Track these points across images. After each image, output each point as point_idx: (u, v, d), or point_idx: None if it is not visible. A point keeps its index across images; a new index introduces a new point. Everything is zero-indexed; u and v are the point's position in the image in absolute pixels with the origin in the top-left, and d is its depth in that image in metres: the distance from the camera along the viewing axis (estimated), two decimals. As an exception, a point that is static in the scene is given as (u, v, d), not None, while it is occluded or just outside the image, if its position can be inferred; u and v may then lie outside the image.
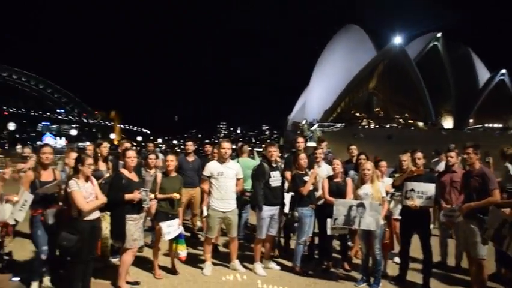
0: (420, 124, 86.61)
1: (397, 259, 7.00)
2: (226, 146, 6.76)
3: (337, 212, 6.30)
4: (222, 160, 6.79)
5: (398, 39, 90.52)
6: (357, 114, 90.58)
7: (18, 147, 47.24)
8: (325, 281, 6.46)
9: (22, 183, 5.77)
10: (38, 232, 5.70)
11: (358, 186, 6.53)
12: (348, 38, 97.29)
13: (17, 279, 6.19)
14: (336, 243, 7.53)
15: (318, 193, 7.04)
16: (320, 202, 7.00)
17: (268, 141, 6.92)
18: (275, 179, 6.82)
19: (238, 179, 6.92)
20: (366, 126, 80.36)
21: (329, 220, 6.54)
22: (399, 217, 6.66)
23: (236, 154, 8.87)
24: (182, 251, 6.52)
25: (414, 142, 21.77)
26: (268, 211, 6.78)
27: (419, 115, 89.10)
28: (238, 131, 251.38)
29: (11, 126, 53.47)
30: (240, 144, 9.52)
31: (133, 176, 6.01)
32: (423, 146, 7.87)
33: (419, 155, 6.57)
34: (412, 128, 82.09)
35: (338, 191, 6.84)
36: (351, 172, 7.66)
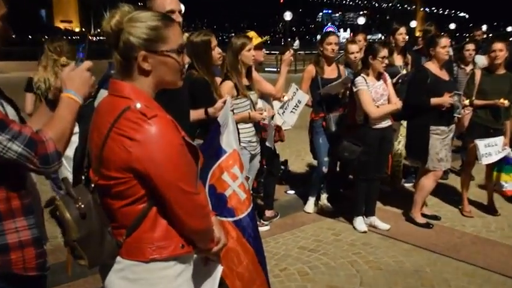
0: None
1: None
2: None
3: None
4: None
5: None
6: None
7: (296, 43, 51.70)
8: None
9: (302, 80, 6.41)
10: (319, 140, 6.32)
11: None
12: None
13: (292, 192, 7.21)
14: None
15: None
16: None
17: None
18: None
19: None
20: None
21: None
22: None
23: None
24: (508, 182, 6.25)
25: None
26: None
27: None
28: None
29: (287, 16, 58.50)
30: None
31: (443, 74, 5.92)
32: None
33: None
34: None
35: None
36: None
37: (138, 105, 1.93)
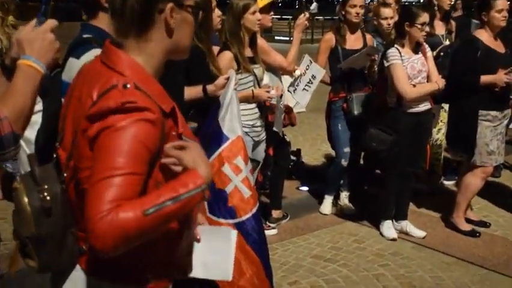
0: None
1: None
2: None
3: None
4: None
5: None
6: None
7: (313, 6, 51.82)
8: None
9: (319, 51, 6.40)
10: (337, 126, 6.33)
11: None
12: None
13: (305, 189, 7.23)
14: None
15: None
16: None
17: None
18: None
19: None
20: None
21: None
22: None
23: None
24: None
25: None
26: None
27: None
28: None
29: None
30: None
31: (498, 45, 5.89)
32: None
33: None
34: None
35: None
36: None
37: (128, 86, 1.79)
